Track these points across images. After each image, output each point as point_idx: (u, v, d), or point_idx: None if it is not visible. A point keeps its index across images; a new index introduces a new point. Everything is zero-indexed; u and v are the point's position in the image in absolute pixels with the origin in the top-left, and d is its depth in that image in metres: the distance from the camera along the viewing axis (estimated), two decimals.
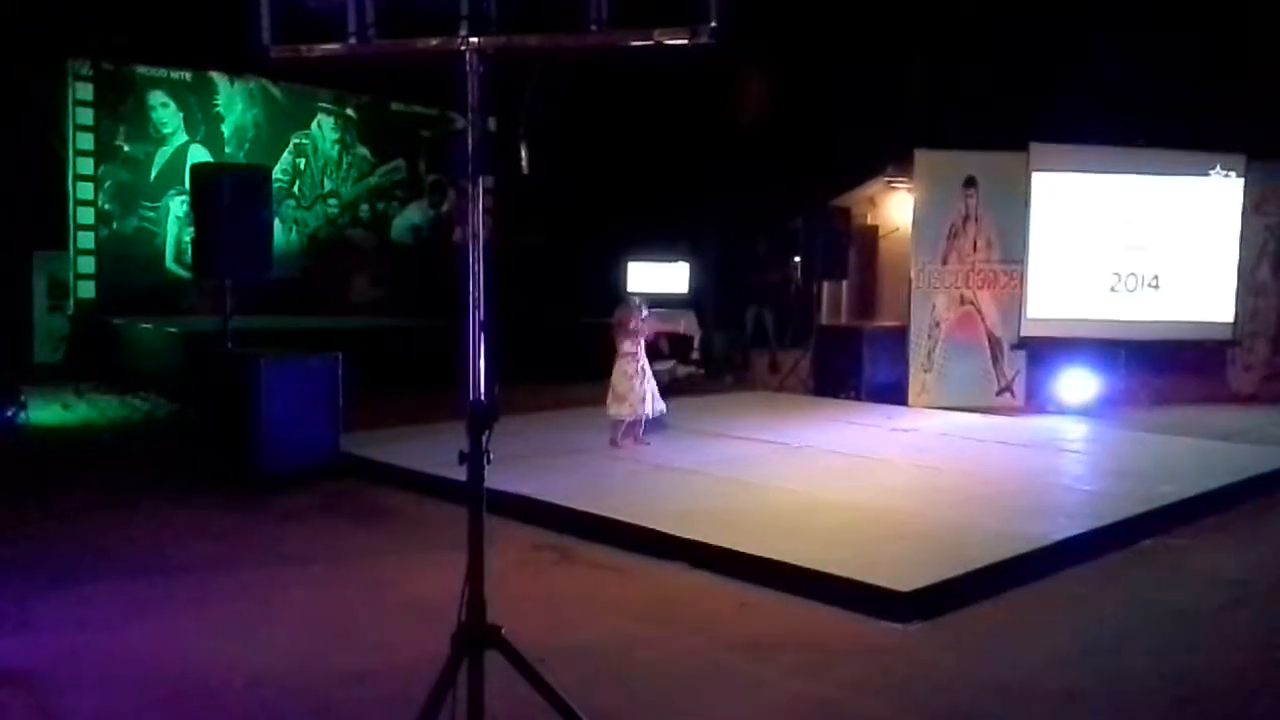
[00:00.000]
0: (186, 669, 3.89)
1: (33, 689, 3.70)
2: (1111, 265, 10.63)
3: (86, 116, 12.46)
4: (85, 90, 12.45)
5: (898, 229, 12.55)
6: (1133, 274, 10.66)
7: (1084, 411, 10.18)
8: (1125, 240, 10.61)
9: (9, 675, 3.79)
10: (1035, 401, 10.75)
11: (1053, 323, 10.58)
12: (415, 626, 4.16)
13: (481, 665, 2.93)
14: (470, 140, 2.95)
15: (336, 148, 14.73)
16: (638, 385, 7.57)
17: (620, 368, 7.61)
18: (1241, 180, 10.69)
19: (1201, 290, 10.77)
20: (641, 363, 7.63)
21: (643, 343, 7.68)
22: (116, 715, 3.55)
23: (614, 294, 14.50)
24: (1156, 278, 10.66)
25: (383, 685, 3.73)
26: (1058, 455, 8.18)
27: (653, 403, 7.67)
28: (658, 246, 14.79)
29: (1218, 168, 10.70)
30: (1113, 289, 10.63)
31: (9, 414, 8.54)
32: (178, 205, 12.94)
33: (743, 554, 5.07)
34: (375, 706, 3.58)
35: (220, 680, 3.78)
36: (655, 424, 7.86)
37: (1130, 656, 4.18)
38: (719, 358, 13.81)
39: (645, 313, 7.78)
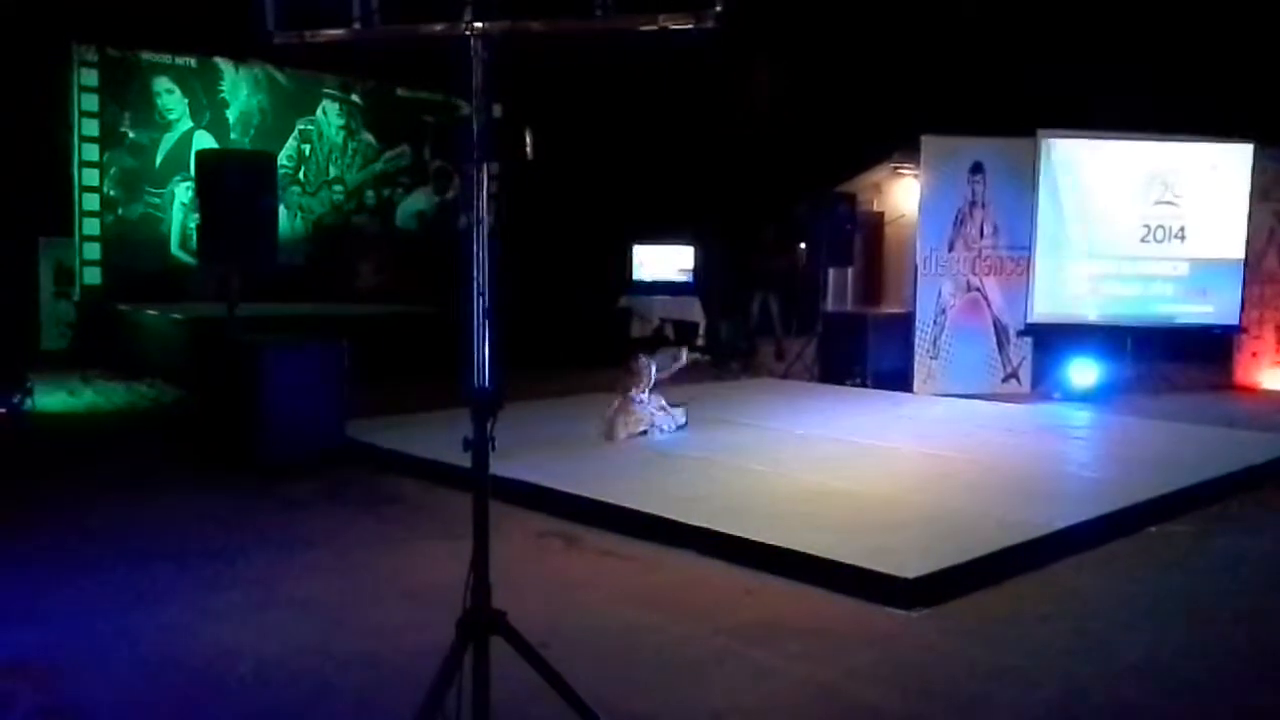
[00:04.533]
0: (193, 655, 3.90)
1: (41, 677, 3.72)
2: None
3: (92, 103, 12.45)
4: (90, 76, 12.43)
5: (904, 215, 12.53)
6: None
7: (1090, 398, 10.17)
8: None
9: (18, 664, 3.81)
10: (1041, 388, 10.75)
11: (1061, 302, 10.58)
12: (421, 612, 4.17)
13: (486, 651, 2.94)
14: (475, 126, 2.94)
15: (342, 134, 14.71)
16: (652, 414, 7.62)
17: (632, 414, 7.57)
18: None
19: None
20: (650, 407, 7.64)
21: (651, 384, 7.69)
22: (124, 703, 3.56)
23: (621, 280, 14.56)
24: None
25: (389, 670, 3.74)
26: (1063, 442, 8.17)
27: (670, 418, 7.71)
28: (663, 232, 14.78)
29: (1226, 154, 10.65)
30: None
31: (15, 401, 8.56)
32: (183, 192, 12.94)
33: (748, 541, 5.07)
34: (381, 691, 3.59)
35: (226, 667, 3.79)
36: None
37: (1133, 644, 4.18)
38: (724, 345, 13.80)
39: (654, 368, 7.74)
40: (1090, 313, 10.65)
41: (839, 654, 4.01)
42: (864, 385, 10.83)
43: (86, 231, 12.45)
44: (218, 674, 3.74)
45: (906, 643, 4.17)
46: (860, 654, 4.02)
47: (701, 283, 14.57)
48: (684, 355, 8.14)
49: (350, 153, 14.81)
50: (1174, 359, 12.01)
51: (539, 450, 6.81)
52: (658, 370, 7.70)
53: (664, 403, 7.73)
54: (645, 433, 7.54)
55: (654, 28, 2.84)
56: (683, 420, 7.78)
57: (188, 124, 13.22)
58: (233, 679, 3.69)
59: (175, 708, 3.54)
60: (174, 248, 13.17)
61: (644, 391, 7.60)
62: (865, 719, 3.54)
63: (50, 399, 9.38)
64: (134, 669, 3.80)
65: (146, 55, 12.88)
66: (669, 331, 14.18)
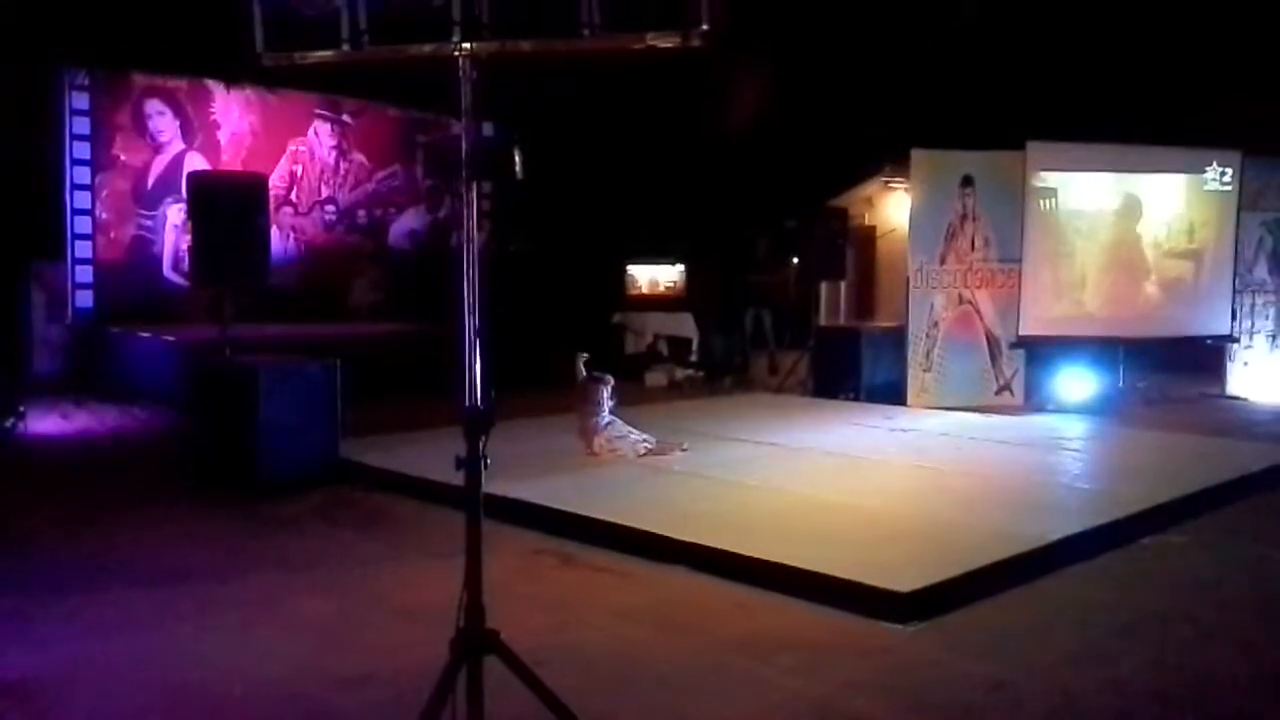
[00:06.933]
0: (187, 676, 3.89)
1: (34, 699, 3.70)
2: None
3: (83, 125, 12.45)
4: (81, 99, 12.44)
5: (895, 229, 12.55)
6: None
7: (1083, 409, 10.19)
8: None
9: (9, 686, 3.79)
10: (1034, 400, 10.76)
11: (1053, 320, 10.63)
12: (415, 632, 4.16)
13: (480, 670, 2.94)
14: (464, 145, 2.95)
15: (333, 154, 14.72)
16: (627, 438, 7.56)
17: (604, 443, 7.49)
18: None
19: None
20: (615, 428, 7.56)
21: (607, 404, 7.61)
22: None
23: (614, 296, 14.58)
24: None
25: (382, 691, 3.73)
26: (1057, 454, 8.18)
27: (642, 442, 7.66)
28: (655, 249, 14.81)
29: (1214, 164, 10.73)
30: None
31: (8, 425, 8.54)
32: (175, 214, 12.93)
33: (742, 556, 5.07)
34: (375, 712, 3.58)
35: (221, 687, 3.78)
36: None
37: (1129, 656, 4.18)
38: (718, 360, 13.81)
39: (611, 384, 7.67)
40: (1082, 324, 10.68)
41: (834, 668, 4.01)
42: (857, 399, 10.84)
43: (78, 254, 12.42)
44: (213, 696, 3.72)
45: (901, 656, 4.17)
46: (855, 668, 4.02)
47: (694, 298, 14.59)
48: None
49: (342, 173, 14.83)
50: (1166, 369, 12.05)
51: (532, 468, 6.81)
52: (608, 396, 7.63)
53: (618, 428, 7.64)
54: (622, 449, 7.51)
55: (642, 47, 2.86)
56: (651, 443, 7.67)
57: (179, 146, 13.23)
58: (227, 700, 3.68)
59: None
60: (166, 270, 13.15)
61: (603, 415, 7.57)
62: None
63: (43, 423, 9.35)
64: (128, 691, 3.78)
65: (137, 77, 12.89)
66: (662, 347, 14.20)
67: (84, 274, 12.46)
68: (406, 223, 15.50)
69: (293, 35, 3.07)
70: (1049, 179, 10.58)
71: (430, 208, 15.67)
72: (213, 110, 13.51)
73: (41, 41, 11.67)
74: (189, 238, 9.16)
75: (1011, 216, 10.55)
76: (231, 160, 13.56)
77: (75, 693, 3.77)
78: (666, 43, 2.85)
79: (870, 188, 13.36)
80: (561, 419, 8.28)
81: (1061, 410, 10.27)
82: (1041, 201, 10.57)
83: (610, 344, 13.40)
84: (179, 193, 12.28)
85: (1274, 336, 11.53)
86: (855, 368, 11.05)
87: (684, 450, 7.64)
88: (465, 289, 2.96)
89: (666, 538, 5.40)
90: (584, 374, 7.67)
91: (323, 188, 14.65)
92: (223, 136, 13.59)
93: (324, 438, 7.13)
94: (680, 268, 14.74)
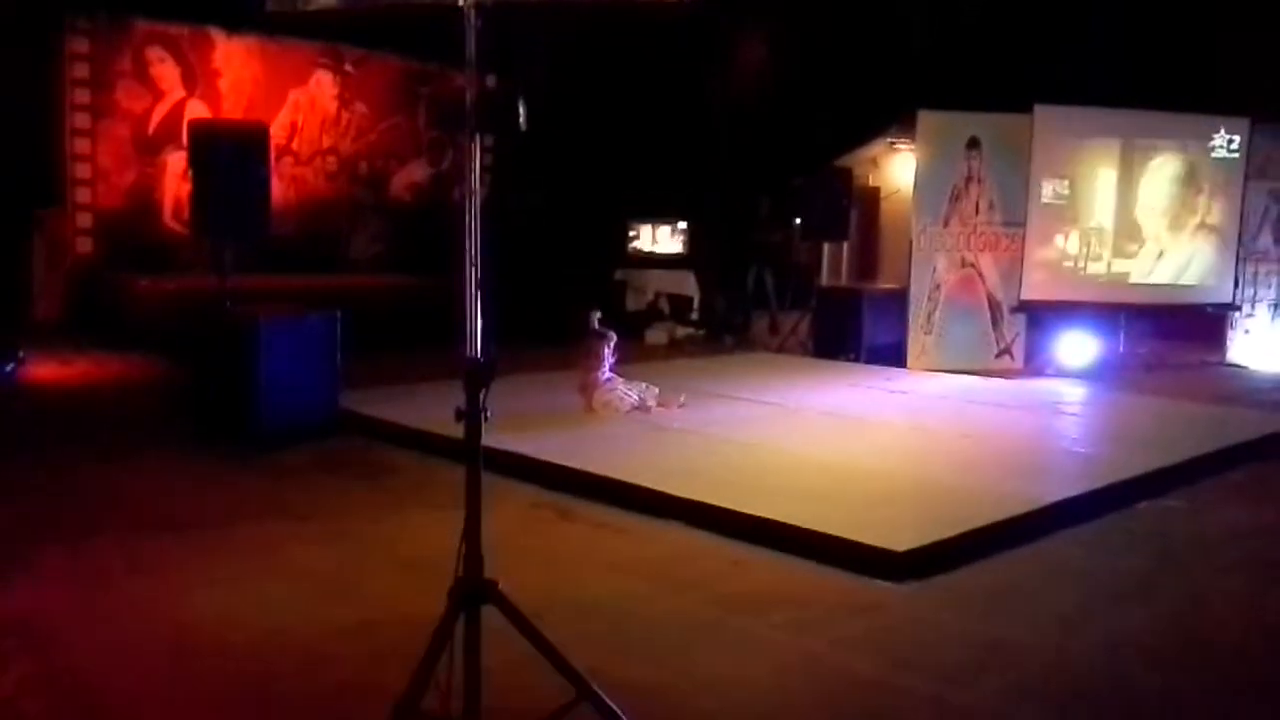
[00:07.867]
0: (187, 622, 3.92)
1: (37, 641, 3.74)
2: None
3: (84, 71, 12.35)
4: (82, 44, 12.33)
5: (899, 190, 12.51)
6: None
7: (1083, 374, 10.20)
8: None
9: (13, 627, 3.83)
10: (1034, 364, 10.77)
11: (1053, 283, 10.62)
12: (413, 581, 4.18)
13: (478, 620, 2.95)
14: (468, 97, 2.93)
15: (335, 104, 14.60)
16: (626, 395, 7.54)
17: (604, 398, 7.48)
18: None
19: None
20: (618, 387, 7.55)
21: (608, 360, 7.59)
22: (118, 667, 3.58)
23: (616, 253, 14.54)
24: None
25: (381, 639, 3.76)
26: (1055, 418, 8.20)
27: (648, 394, 7.65)
28: (658, 206, 14.74)
29: (1222, 131, 10.66)
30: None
31: (8, 370, 8.55)
32: (176, 162, 12.85)
33: (740, 513, 5.10)
34: (373, 660, 3.61)
35: (219, 634, 3.81)
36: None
37: (1124, 618, 4.21)
38: (719, 319, 13.80)
39: (614, 340, 7.65)
40: (1084, 289, 10.67)
41: (827, 625, 4.04)
42: (857, 360, 10.85)
43: (79, 201, 12.38)
44: (213, 641, 3.75)
45: (896, 614, 4.20)
46: (849, 625, 4.05)
47: (697, 256, 14.55)
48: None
49: (344, 123, 14.72)
50: (1167, 336, 12.05)
51: (533, 422, 6.83)
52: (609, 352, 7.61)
53: (625, 384, 7.63)
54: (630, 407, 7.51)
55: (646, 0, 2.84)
56: (653, 400, 7.65)
57: (180, 93, 13.12)
58: (226, 647, 3.71)
59: (170, 674, 3.55)
60: (167, 218, 13.09)
61: (604, 370, 7.56)
62: (852, 687, 3.57)
63: (43, 368, 9.36)
64: (129, 635, 3.82)
65: (139, 23, 12.76)
66: (664, 305, 14.18)
67: (84, 220, 12.41)
68: (408, 174, 15.41)
69: None
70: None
71: (432, 160, 15.57)
72: (214, 58, 13.38)
73: None
74: (189, 186, 9.09)
75: (1017, 180, 10.50)
76: (233, 109, 13.45)
77: (76, 634, 3.80)
78: None
79: (875, 148, 13.30)
80: (563, 374, 8.28)
81: (1061, 375, 10.28)
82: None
83: (612, 300, 13.38)
84: (180, 141, 12.19)
85: (1276, 305, 11.50)
86: (856, 329, 11.04)
87: (681, 405, 7.66)
88: (467, 242, 2.94)
89: (664, 494, 5.43)
90: (595, 327, 7.67)
91: (324, 138, 14.54)
92: (224, 85, 13.47)
93: (324, 389, 7.14)
94: (683, 225, 14.68)
